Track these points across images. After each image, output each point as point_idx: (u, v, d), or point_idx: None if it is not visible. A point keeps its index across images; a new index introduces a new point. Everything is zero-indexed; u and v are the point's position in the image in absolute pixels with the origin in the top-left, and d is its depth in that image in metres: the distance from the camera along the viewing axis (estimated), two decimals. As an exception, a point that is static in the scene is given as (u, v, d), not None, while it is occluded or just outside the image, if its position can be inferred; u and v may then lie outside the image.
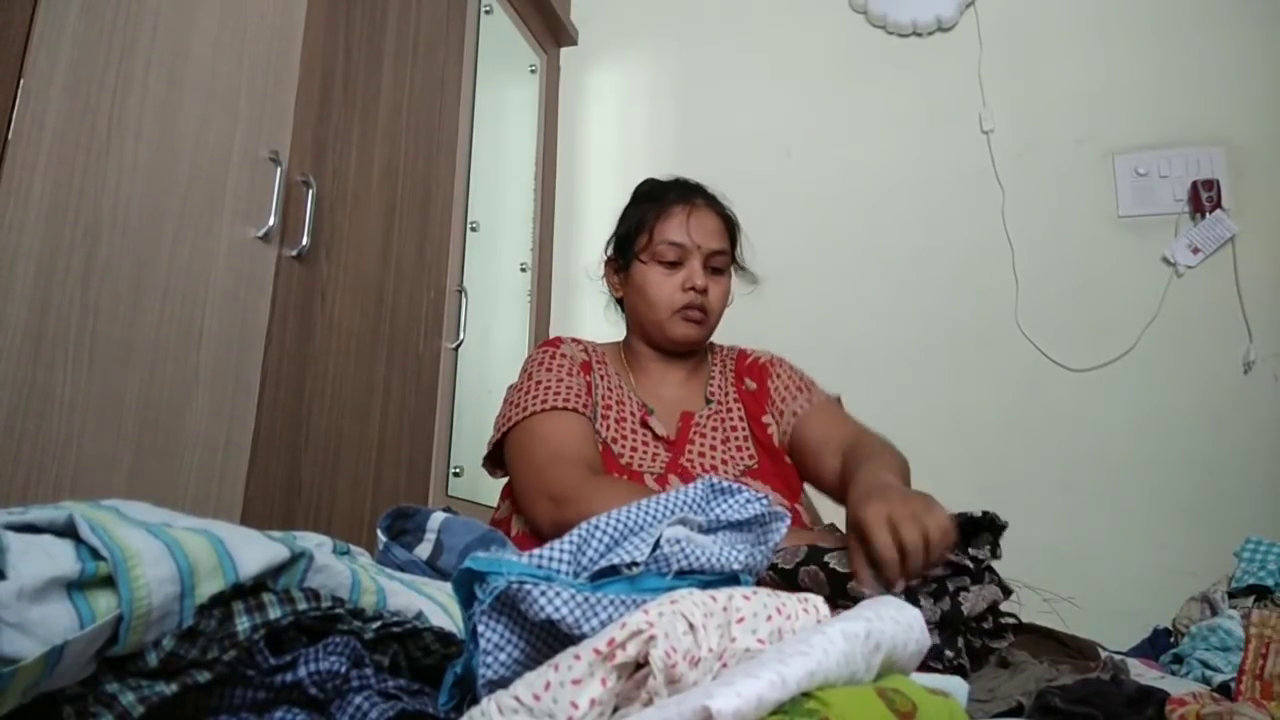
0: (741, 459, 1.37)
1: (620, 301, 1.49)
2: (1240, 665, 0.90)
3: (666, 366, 1.45)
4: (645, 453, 1.33)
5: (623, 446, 1.32)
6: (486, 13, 2.31)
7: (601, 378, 1.40)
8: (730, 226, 1.45)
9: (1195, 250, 2.23)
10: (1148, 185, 2.30)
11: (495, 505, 1.43)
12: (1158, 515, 2.13)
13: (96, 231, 1.22)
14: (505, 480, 1.37)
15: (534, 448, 1.25)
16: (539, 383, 1.31)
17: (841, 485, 1.22)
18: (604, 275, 1.48)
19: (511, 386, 1.37)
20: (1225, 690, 0.97)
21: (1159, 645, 1.36)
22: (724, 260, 1.41)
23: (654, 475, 1.30)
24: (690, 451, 1.35)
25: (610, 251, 1.47)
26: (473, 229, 2.18)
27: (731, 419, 1.41)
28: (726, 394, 1.45)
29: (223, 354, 1.39)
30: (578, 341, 1.44)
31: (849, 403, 1.51)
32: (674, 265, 1.37)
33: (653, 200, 1.42)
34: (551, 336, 1.48)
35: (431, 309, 1.98)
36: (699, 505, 0.64)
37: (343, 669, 0.53)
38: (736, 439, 1.39)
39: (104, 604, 0.46)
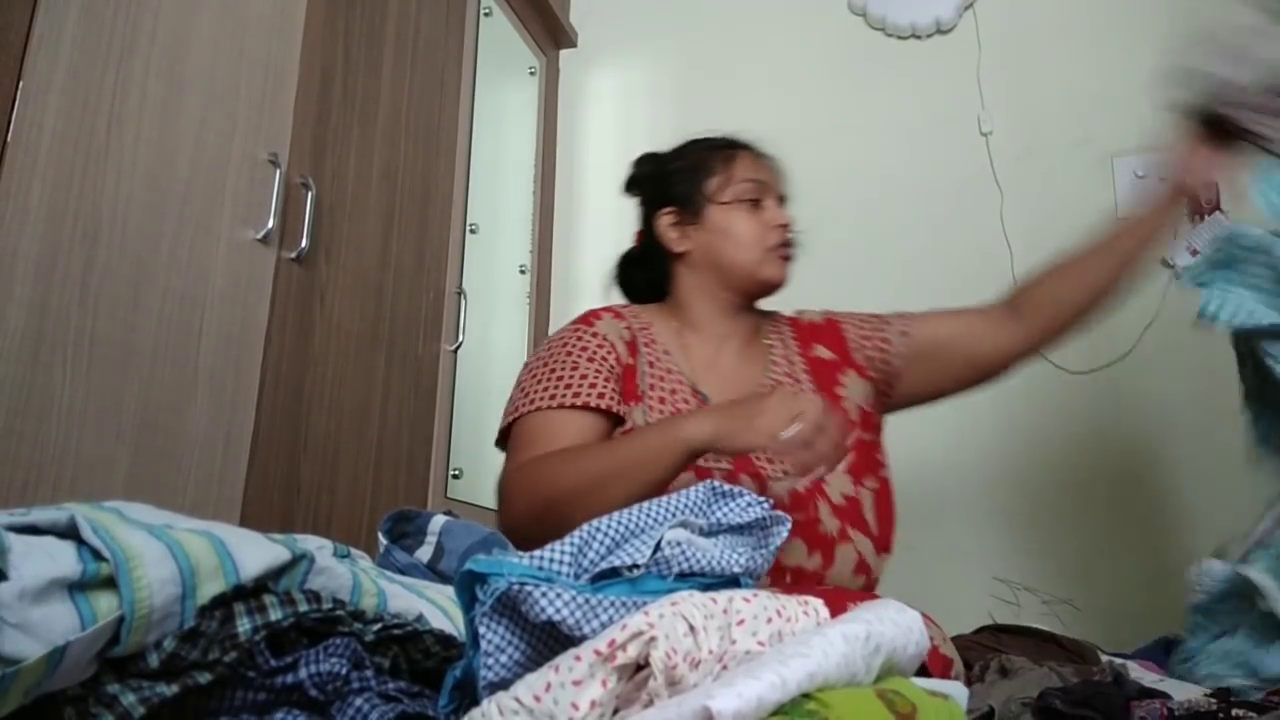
0: None
1: (663, 260, 1.36)
2: None
3: (727, 331, 1.33)
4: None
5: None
6: (486, 15, 2.32)
7: (650, 363, 1.26)
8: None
9: (1194, 252, 2.23)
10: (1147, 187, 2.30)
11: (498, 506, 1.37)
12: (1156, 517, 2.13)
13: (95, 233, 1.22)
14: None
15: (526, 449, 1.17)
16: (554, 373, 1.21)
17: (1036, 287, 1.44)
18: (659, 232, 1.35)
19: (528, 365, 1.27)
20: (1225, 694, 0.97)
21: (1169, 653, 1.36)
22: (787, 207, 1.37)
23: (722, 472, 1.18)
24: None
25: (667, 207, 1.35)
26: (472, 231, 2.18)
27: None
28: (793, 364, 1.35)
29: (222, 356, 1.39)
30: (620, 316, 1.31)
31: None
32: (754, 205, 1.32)
33: (711, 149, 1.37)
34: (594, 308, 1.35)
35: (431, 311, 1.98)
36: (700, 508, 0.64)
37: (343, 671, 0.53)
38: None
39: (105, 605, 0.47)
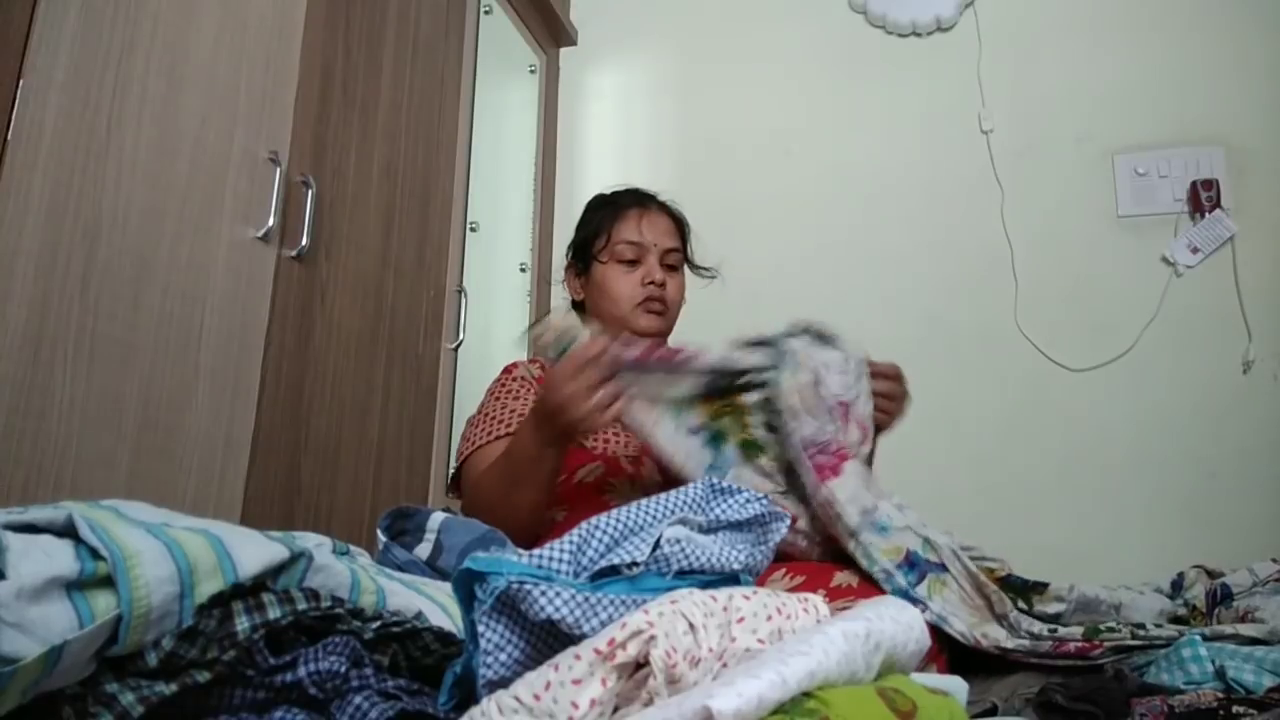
0: None
1: (580, 305, 1.56)
2: None
3: None
4: (617, 441, 1.41)
5: (595, 440, 1.40)
6: (486, 13, 2.31)
7: None
8: (681, 227, 1.55)
9: (1195, 250, 2.23)
10: (1147, 185, 2.30)
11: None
12: (1157, 515, 2.13)
13: (96, 231, 1.21)
14: None
15: (477, 477, 1.33)
16: (488, 415, 1.40)
17: None
18: (564, 280, 1.58)
19: (470, 419, 1.44)
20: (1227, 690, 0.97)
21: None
22: (677, 258, 1.51)
23: (628, 458, 1.36)
24: None
25: (570, 257, 1.57)
26: (472, 229, 2.18)
27: None
28: None
29: (222, 354, 1.39)
30: (535, 362, 1.52)
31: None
32: (632, 264, 1.47)
33: (608, 206, 1.53)
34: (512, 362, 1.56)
35: (431, 309, 1.98)
36: (699, 505, 0.64)
37: (342, 669, 0.53)
38: None
39: (103, 604, 0.46)
